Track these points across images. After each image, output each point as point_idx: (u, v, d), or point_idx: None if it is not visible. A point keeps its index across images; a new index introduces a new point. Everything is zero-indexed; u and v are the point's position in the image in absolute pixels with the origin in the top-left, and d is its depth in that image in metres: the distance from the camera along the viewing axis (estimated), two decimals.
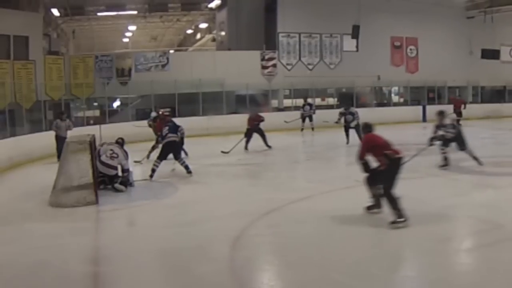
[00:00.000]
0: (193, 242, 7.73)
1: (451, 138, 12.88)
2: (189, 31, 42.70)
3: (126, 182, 11.79)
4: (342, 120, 19.21)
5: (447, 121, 12.95)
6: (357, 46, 27.96)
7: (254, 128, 18.22)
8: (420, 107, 30.28)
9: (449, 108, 26.06)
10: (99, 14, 32.89)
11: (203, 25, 38.41)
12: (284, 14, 28.23)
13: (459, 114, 25.30)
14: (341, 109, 19.65)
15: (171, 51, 37.83)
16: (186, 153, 15.54)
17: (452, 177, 12.53)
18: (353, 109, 19.35)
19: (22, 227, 9.07)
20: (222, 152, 16.86)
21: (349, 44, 28.29)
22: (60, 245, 7.85)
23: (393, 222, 7.84)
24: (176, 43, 46.15)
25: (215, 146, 18.06)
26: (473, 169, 13.27)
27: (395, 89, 32.80)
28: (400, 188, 11.45)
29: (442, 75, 30.66)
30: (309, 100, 24.93)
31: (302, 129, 23.92)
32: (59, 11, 30.50)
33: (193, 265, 6.83)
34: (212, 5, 31.20)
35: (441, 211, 9.16)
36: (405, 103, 31.73)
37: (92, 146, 11.21)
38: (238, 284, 6.18)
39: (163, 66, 26.29)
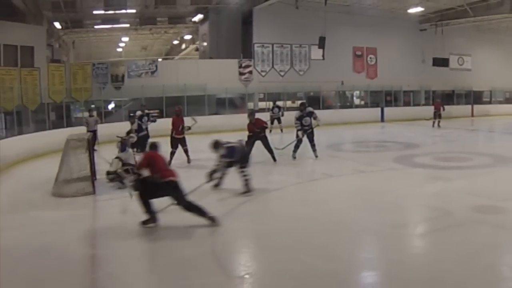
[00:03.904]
0: (178, 228, 7.75)
1: (232, 162, 10.25)
2: (175, 42, 42.47)
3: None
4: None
5: (221, 151, 10.10)
6: (323, 55, 27.86)
7: (255, 135, 13.95)
8: (379, 109, 30.70)
9: (431, 110, 26.34)
10: (96, 27, 32.65)
11: (188, 37, 38.19)
12: (259, 27, 28.22)
13: (438, 116, 25.41)
14: (297, 113, 14.74)
15: (160, 60, 37.74)
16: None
17: (406, 171, 12.62)
18: (310, 108, 14.80)
19: (28, 214, 9.05)
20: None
21: (316, 53, 28.15)
22: (62, 230, 7.85)
23: (143, 222, 7.79)
24: (164, 52, 45.89)
25: (198, 143, 17.90)
26: (425, 164, 13.42)
27: (356, 93, 32.86)
28: (361, 180, 11.62)
29: (398, 81, 30.90)
30: (278, 103, 24.70)
31: (270, 130, 21.07)
32: (61, 24, 30.26)
33: (179, 248, 6.88)
34: (195, 19, 31.02)
35: (397, 200, 9.28)
36: (365, 105, 31.81)
37: (90, 143, 11.23)
38: (218, 265, 6.17)
39: (152, 72, 26.10)
